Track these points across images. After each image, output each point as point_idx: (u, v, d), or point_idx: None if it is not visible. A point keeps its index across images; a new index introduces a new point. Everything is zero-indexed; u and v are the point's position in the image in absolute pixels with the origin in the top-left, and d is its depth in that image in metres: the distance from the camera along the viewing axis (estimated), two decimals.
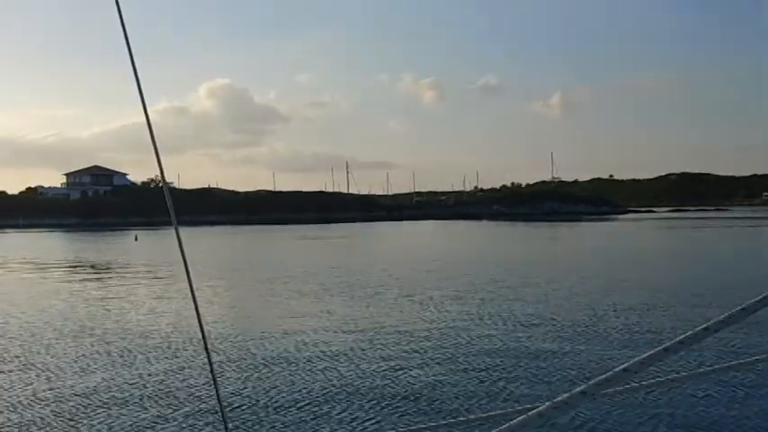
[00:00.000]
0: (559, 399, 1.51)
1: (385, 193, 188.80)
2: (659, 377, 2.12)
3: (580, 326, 16.79)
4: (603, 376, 1.50)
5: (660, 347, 1.49)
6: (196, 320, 2.57)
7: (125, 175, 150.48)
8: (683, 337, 1.49)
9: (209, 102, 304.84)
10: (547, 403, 1.52)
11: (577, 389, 1.50)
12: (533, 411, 1.52)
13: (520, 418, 1.53)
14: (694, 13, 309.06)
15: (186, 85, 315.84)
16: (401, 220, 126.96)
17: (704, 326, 1.48)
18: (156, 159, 2.34)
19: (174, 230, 2.35)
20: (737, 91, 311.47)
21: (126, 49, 2.19)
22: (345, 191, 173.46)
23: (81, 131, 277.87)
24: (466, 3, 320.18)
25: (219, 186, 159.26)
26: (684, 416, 9.79)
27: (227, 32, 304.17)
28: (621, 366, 1.50)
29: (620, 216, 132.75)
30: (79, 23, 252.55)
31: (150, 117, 2.31)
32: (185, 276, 2.44)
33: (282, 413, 10.36)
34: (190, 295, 2.52)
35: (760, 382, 11.18)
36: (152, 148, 2.30)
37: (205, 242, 62.67)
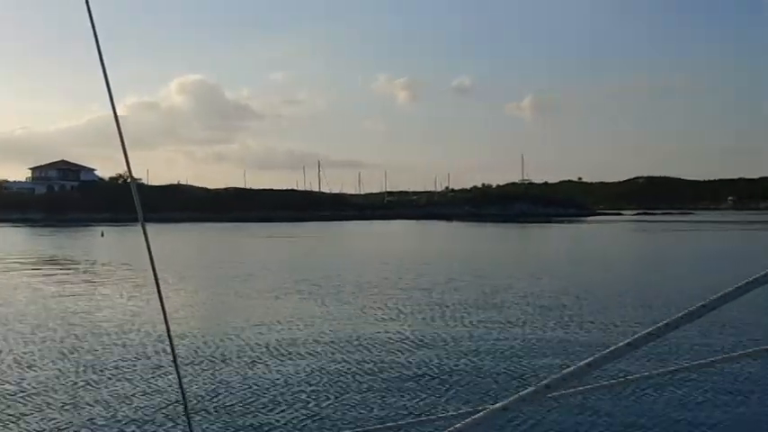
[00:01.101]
0: (524, 393, 1.53)
1: (357, 193, 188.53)
2: (621, 374, 2.16)
3: (540, 324, 16.97)
4: (568, 371, 1.52)
5: (623, 342, 1.52)
6: (160, 318, 2.53)
7: (93, 170, 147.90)
8: (645, 332, 1.52)
9: (180, 97, 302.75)
10: (511, 397, 1.53)
11: (541, 383, 1.52)
12: (498, 405, 1.53)
13: (484, 412, 1.54)
14: (662, 18, 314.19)
15: (156, 80, 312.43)
16: (372, 219, 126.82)
17: (665, 322, 1.51)
18: (123, 154, 2.31)
19: (140, 227, 2.32)
20: (705, 96, 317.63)
21: (94, 43, 2.16)
22: (317, 189, 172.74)
23: (49, 126, 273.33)
24: (441, 4, 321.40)
25: (190, 183, 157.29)
26: (646, 413, 9.95)
27: (198, 28, 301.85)
28: (585, 361, 1.52)
29: (589, 218, 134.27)
30: (49, 17, 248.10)
31: (119, 112, 2.28)
32: (151, 273, 2.40)
33: (246, 414, 10.30)
34: (154, 293, 2.48)
35: (720, 381, 11.40)
36: (119, 142, 2.28)
37: (172, 239, 61.94)
